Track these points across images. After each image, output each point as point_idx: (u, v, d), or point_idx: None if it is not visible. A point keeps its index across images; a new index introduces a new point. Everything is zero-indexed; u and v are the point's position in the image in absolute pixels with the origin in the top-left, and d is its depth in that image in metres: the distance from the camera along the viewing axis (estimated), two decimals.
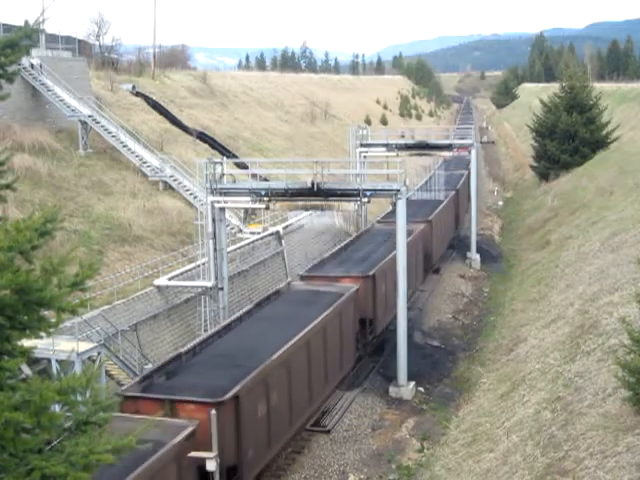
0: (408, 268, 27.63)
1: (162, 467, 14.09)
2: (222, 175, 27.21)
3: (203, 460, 15.62)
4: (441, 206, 43.35)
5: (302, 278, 28.27)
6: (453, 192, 48.64)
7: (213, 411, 15.75)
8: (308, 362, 21.54)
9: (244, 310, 24.27)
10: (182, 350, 20.20)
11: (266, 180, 30.63)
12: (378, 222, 39.60)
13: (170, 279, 28.82)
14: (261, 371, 18.36)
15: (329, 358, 23.29)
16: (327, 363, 23.14)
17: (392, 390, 26.49)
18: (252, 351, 20.08)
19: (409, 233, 30.53)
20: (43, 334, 8.78)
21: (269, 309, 24.78)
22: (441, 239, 41.99)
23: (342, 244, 34.59)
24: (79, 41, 51.09)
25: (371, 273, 27.84)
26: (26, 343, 8.76)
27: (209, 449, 15.73)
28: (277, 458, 20.61)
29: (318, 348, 22.35)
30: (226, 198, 27.02)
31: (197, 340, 21.34)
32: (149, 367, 22.68)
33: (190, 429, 15.40)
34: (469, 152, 44.74)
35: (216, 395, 16.59)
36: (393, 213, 37.10)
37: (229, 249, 30.14)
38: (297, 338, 20.73)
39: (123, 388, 18.08)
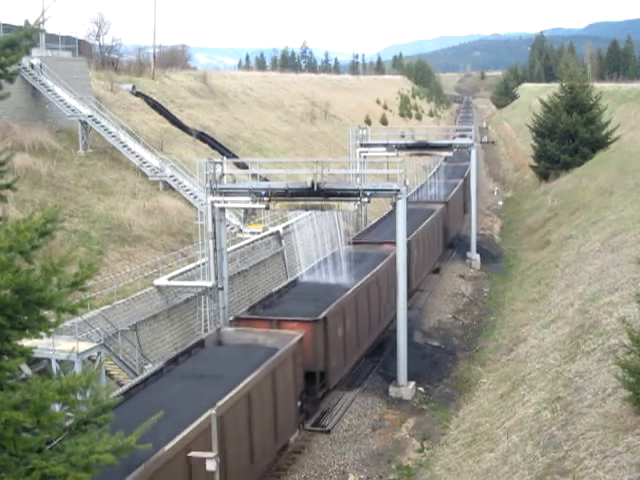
0: (431, 240, 38.05)
1: (285, 360, 20.09)
2: (222, 175, 27.19)
3: (309, 365, 22.05)
4: (455, 188, 50.74)
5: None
6: (461, 179, 54.24)
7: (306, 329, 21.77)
8: (368, 302, 27.51)
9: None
10: (273, 290, 27.04)
11: (266, 180, 30.63)
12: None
13: (170, 279, 28.82)
14: (340, 301, 24.63)
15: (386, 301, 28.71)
16: (384, 304, 28.92)
17: (392, 390, 26.48)
18: (328, 288, 26.74)
19: (431, 211, 41.78)
20: (43, 334, 8.80)
21: None
22: (455, 218, 48.78)
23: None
24: (79, 41, 51.04)
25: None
26: (26, 343, 8.78)
27: (310, 357, 22.20)
28: (349, 373, 26.46)
29: (374, 296, 27.96)
30: (226, 198, 27.01)
31: (281, 284, 27.82)
32: (149, 367, 22.73)
33: (299, 336, 21.43)
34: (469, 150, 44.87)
35: (311, 316, 22.98)
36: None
37: (229, 249, 30.12)
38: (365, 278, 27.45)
39: (241, 311, 24.67)
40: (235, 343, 21.81)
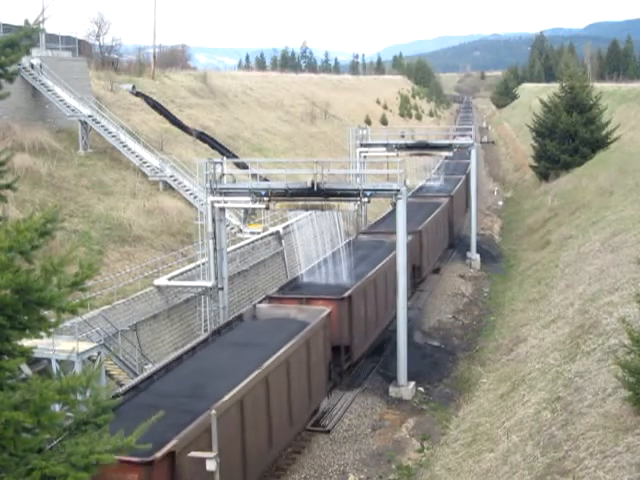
0: (439, 229, 42.37)
1: (316, 332, 22.21)
2: (222, 175, 27.19)
3: (335, 339, 24.20)
4: (458, 184, 53.15)
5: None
6: (464, 175, 56.16)
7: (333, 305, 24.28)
8: (385, 285, 29.51)
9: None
10: (298, 273, 29.47)
11: (266, 180, 30.62)
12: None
13: (170, 279, 28.81)
14: (362, 282, 26.82)
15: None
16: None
17: (392, 390, 26.48)
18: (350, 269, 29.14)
19: (438, 205, 44.67)
20: (43, 334, 8.80)
21: None
22: (458, 211, 50.81)
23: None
24: (79, 41, 51.03)
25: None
26: (26, 343, 8.78)
27: (337, 331, 24.31)
28: (368, 351, 28.40)
29: (390, 280, 28.81)
30: (226, 198, 27.01)
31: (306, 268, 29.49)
32: (149, 367, 22.74)
33: (327, 311, 23.50)
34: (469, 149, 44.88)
35: (336, 294, 25.18)
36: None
37: (229, 249, 30.13)
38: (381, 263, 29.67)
39: (272, 291, 27.06)
40: (270, 317, 24.05)
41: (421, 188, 53.32)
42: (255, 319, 24.19)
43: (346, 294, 25.37)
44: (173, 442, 13.94)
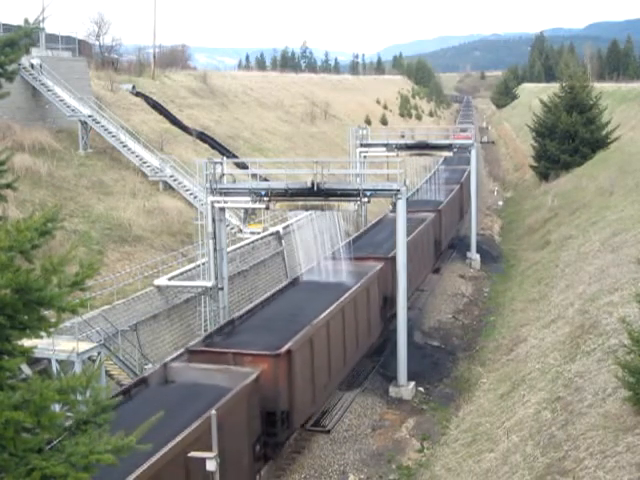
0: (453, 211, 46.75)
1: (371, 283, 27.71)
2: (222, 175, 27.19)
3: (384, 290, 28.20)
4: (466, 172, 53.66)
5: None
6: (468, 167, 54.11)
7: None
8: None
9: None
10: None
11: (266, 180, 30.62)
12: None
13: (170, 279, 28.81)
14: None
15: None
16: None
17: (392, 390, 26.48)
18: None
19: (451, 190, 48.54)
20: (43, 334, 8.78)
21: None
22: (467, 197, 51.06)
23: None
24: (79, 41, 51.05)
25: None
26: (26, 343, 8.76)
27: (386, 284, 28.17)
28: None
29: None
30: (226, 198, 27.01)
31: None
32: (149, 367, 22.72)
33: (380, 266, 28.88)
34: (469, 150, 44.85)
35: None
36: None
37: (229, 249, 30.12)
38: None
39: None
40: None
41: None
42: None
43: (389, 255, 28.88)
44: (290, 344, 19.93)
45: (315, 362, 21.74)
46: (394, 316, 27.96)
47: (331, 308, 23.43)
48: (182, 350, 20.51)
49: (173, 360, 19.60)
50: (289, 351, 19.78)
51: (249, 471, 18.11)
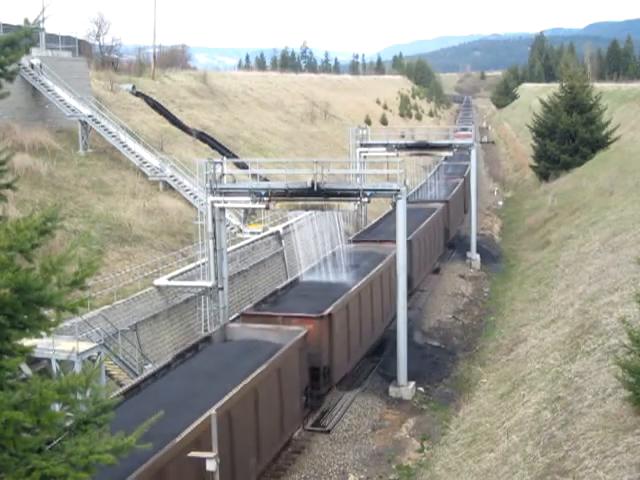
0: (459, 203, 49.48)
1: (387, 268, 29.92)
2: (222, 175, 27.17)
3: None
4: (467, 170, 54.68)
5: None
6: (468, 163, 56.81)
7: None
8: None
9: None
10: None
11: (266, 180, 30.61)
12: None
13: (170, 279, 28.80)
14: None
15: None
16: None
17: (392, 390, 26.47)
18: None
19: (455, 185, 52.06)
20: (43, 333, 8.78)
21: None
22: (468, 191, 50.95)
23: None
24: (79, 41, 51.03)
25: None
26: (26, 342, 8.76)
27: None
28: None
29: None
30: (226, 198, 26.99)
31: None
32: (149, 367, 22.72)
33: (393, 253, 28.40)
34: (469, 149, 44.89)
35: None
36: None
37: (229, 249, 30.11)
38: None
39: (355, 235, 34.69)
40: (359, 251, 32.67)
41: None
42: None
43: (411, 236, 30.25)
44: (330, 308, 23.34)
45: (350, 327, 25.30)
46: (411, 295, 31.98)
47: (363, 280, 27.37)
48: (237, 315, 24.44)
49: (231, 322, 23.55)
50: (330, 314, 23.30)
51: (300, 416, 22.07)
